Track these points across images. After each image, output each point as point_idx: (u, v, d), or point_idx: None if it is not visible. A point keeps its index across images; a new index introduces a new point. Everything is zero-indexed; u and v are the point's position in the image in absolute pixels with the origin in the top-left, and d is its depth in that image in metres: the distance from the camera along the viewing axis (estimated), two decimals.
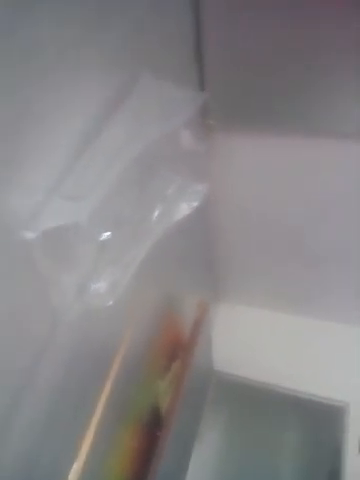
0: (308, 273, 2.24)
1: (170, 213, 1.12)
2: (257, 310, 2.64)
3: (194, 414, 2.20)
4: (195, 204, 1.15)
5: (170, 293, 1.87)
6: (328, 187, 1.78)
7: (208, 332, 2.14)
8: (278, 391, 2.47)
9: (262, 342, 2.51)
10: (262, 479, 2.85)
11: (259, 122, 1.65)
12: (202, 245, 2.19)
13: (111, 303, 0.96)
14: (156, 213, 1.10)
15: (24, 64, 0.69)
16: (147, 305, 1.59)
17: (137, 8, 1.04)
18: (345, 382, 2.30)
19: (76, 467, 1.13)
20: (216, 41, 1.46)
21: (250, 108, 1.62)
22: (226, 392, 2.63)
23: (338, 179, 1.74)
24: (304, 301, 2.49)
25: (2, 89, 0.65)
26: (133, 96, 1.00)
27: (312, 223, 1.95)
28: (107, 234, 0.93)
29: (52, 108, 0.79)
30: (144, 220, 1.08)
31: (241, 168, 1.84)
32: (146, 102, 1.00)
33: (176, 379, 1.79)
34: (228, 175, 1.87)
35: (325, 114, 1.56)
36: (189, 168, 1.33)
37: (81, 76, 0.87)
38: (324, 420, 2.46)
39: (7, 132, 0.68)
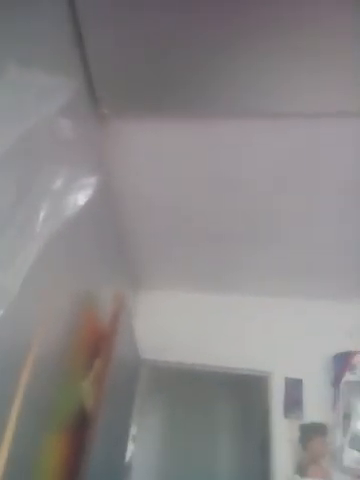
0: (216, 252, 2.30)
1: (59, 208, 1.07)
2: (176, 293, 2.67)
3: (124, 407, 2.19)
4: (86, 197, 1.11)
5: (84, 289, 1.82)
6: (227, 168, 1.81)
7: (129, 323, 2.12)
8: (206, 370, 2.53)
9: (185, 324, 2.55)
10: (202, 453, 2.95)
11: (152, 108, 1.62)
12: (113, 236, 2.15)
13: (0, 313, 0.90)
14: (43, 210, 1.04)
15: None
16: (58, 305, 1.53)
17: None
18: (266, 353, 2.41)
19: None
20: (97, 28, 1.40)
21: (141, 94, 1.59)
22: (157, 378, 2.64)
23: (235, 160, 1.78)
24: (217, 279, 2.56)
25: None
26: None
27: (214, 203, 1.98)
28: None
29: None
30: (30, 219, 1.03)
31: (141, 155, 1.81)
32: (13, 92, 0.94)
33: (98, 376, 1.76)
34: (128, 163, 1.85)
35: (217, 95, 1.56)
36: (78, 160, 1.28)
37: None
38: (251, 390, 2.56)
39: None
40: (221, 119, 1.63)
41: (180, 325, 2.54)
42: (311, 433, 2.13)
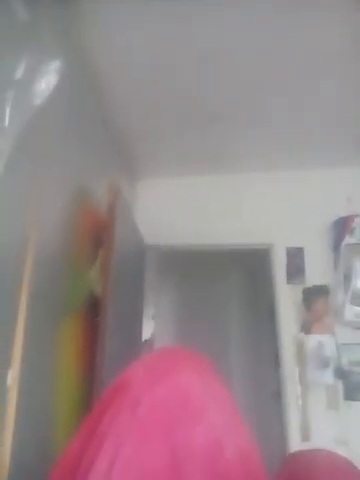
0: (210, 131, 2.22)
1: (26, 98, 1.01)
2: (173, 178, 2.65)
3: (135, 290, 2.30)
4: (53, 83, 1.04)
5: (77, 181, 1.80)
6: (211, 36, 1.64)
7: (128, 211, 2.14)
8: (210, 249, 2.62)
9: (185, 207, 2.58)
10: (216, 321, 3.20)
11: None
12: (100, 124, 2.06)
13: None
14: (8, 103, 0.99)
15: None
16: (50, 198, 1.52)
17: None
18: (267, 225, 2.45)
19: (12, 371, 1.16)
20: None
21: None
22: (165, 262, 2.74)
23: (219, 26, 1.59)
24: (213, 159, 2.50)
25: None
26: None
27: (203, 78, 1.84)
28: None
29: None
30: None
31: (118, 34, 1.62)
32: None
33: (104, 264, 1.83)
34: (106, 40, 1.66)
35: None
36: (42, 43, 1.18)
37: None
38: (255, 262, 2.67)
39: None
40: None
41: (180, 209, 2.56)
42: (314, 295, 2.26)
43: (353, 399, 2.16)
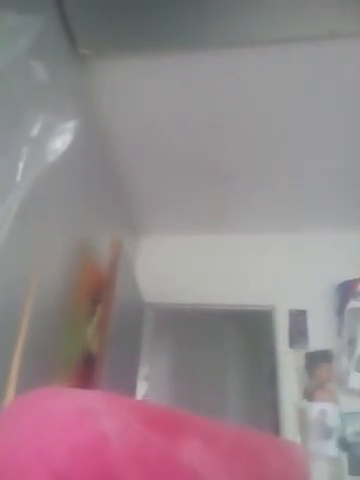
0: (216, 191, 2.26)
1: (39, 156, 1.02)
2: (176, 236, 2.66)
3: (131, 348, 2.24)
4: (66, 143, 1.06)
5: (80, 237, 1.81)
6: (219, 102, 1.72)
7: (129, 268, 2.14)
8: (211, 308, 2.57)
9: (187, 266, 2.56)
10: (213, 386, 3.07)
11: (135, 45, 1.48)
12: (106, 181, 2.10)
13: None
14: (23, 158, 1.00)
15: None
16: (53, 253, 1.51)
17: None
18: (270, 287, 2.43)
19: None
20: None
21: (122, 31, 1.45)
22: (164, 320, 2.69)
23: (226, 93, 1.68)
24: (216, 219, 2.53)
25: None
26: None
27: (208, 140, 1.90)
28: None
29: None
30: (10, 168, 0.99)
31: (127, 95, 1.71)
32: None
33: (101, 321, 1.79)
34: (114, 105, 1.75)
35: (205, 26, 1.42)
36: (57, 104, 1.21)
37: None
38: (257, 325, 2.61)
39: None
40: (210, 50, 1.51)
41: (182, 267, 2.55)
42: (317, 360, 2.19)
43: (359, 474, 2.03)
